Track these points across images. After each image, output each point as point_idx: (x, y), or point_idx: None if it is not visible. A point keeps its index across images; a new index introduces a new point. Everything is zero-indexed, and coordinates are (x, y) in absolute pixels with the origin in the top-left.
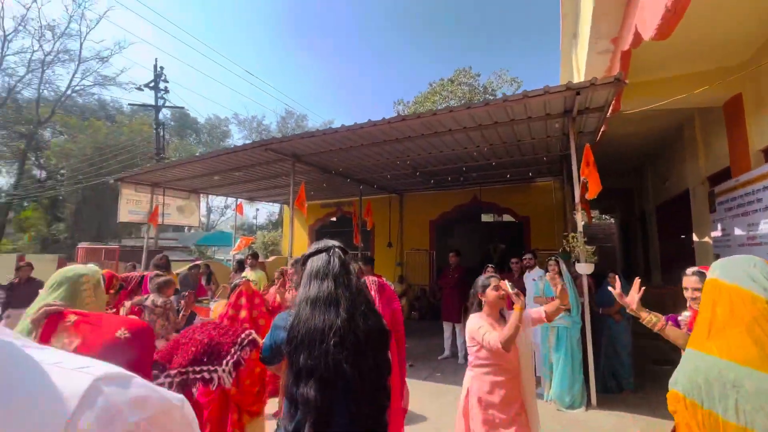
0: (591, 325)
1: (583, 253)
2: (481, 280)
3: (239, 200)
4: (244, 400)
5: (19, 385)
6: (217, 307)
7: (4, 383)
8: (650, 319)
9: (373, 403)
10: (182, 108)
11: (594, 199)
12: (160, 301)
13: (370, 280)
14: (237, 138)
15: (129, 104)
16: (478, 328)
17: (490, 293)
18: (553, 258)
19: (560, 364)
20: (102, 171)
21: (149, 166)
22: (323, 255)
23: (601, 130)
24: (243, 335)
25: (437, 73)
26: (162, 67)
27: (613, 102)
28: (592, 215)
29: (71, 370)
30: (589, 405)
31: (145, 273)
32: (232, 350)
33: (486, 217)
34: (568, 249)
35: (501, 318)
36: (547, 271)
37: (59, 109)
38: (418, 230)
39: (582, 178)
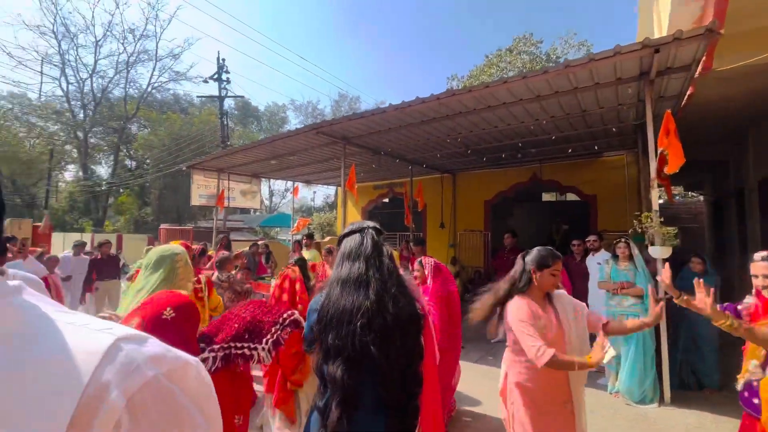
0: (667, 315)
1: (659, 234)
2: (540, 253)
3: (296, 183)
4: (285, 371)
5: (46, 342)
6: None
7: (32, 341)
8: (730, 323)
9: (401, 388)
10: (243, 97)
11: (676, 173)
12: (224, 276)
13: (425, 261)
14: (294, 123)
15: (198, 96)
16: (521, 324)
17: (548, 277)
18: (622, 240)
19: (630, 355)
20: (178, 159)
21: (214, 153)
22: (356, 236)
23: (687, 93)
24: (285, 315)
25: (496, 44)
26: (224, 59)
27: (704, 59)
28: (675, 192)
29: (96, 331)
30: (662, 401)
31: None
32: (273, 329)
33: (548, 196)
34: (640, 230)
35: (545, 300)
36: (614, 254)
37: (142, 105)
38: (472, 211)
39: (660, 150)
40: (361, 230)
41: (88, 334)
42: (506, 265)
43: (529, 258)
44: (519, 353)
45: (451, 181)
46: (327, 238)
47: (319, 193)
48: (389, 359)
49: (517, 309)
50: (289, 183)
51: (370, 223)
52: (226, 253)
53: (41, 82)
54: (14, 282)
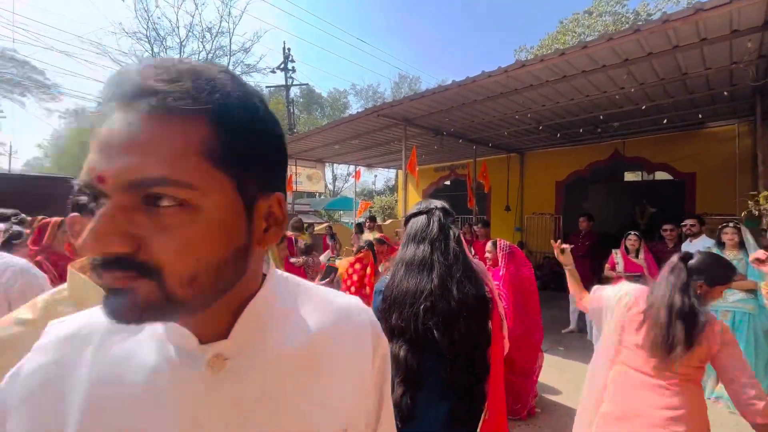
0: None
1: None
2: (719, 266)
3: (358, 167)
4: None
5: (334, 299)
6: (342, 263)
7: (327, 300)
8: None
9: (467, 373)
10: (307, 84)
11: None
12: (319, 259)
13: (501, 243)
14: (355, 108)
15: (266, 87)
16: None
17: (718, 294)
18: (730, 224)
19: None
20: None
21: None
22: (423, 217)
23: None
24: None
25: (572, 9)
26: (289, 49)
27: None
28: None
29: (338, 293)
30: None
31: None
32: None
33: (631, 176)
34: (756, 213)
35: None
36: (719, 241)
37: None
38: (542, 192)
39: None
40: (428, 211)
41: (339, 293)
42: (581, 251)
43: (697, 266)
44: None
45: (518, 161)
46: (388, 221)
47: (379, 177)
48: (453, 343)
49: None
50: (351, 167)
51: (438, 204)
52: (310, 242)
53: None
54: None
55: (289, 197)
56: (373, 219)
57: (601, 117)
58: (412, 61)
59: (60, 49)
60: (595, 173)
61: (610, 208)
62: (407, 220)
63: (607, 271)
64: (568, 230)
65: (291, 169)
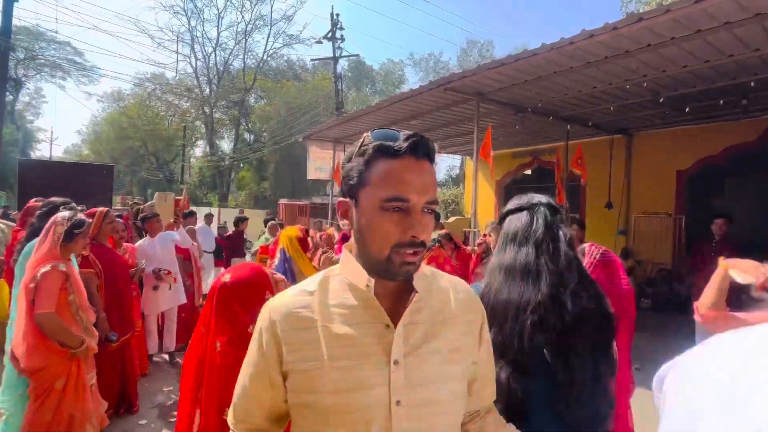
0: None
1: None
2: None
3: None
4: None
5: None
6: None
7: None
8: None
9: (588, 407)
10: (357, 56)
11: None
12: None
13: (590, 249)
14: (413, 82)
15: (311, 60)
16: None
17: None
18: None
19: None
20: (293, 130)
21: (329, 121)
22: (524, 214)
23: None
24: None
25: None
26: (338, 14)
27: None
28: None
29: None
30: None
31: None
32: None
33: None
34: None
35: None
36: None
37: (259, 74)
38: (656, 185)
39: None
40: (530, 207)
41: None
42: (710, 263)
43: None
44: None
45: (624, 145)
46: (452, 219)
47: (440, 164)
48: (570, 369)
49: None
50: None
51: (542, 199)
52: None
53: (177, 61)
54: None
55: (336, 189)
56: (436, 217)
57: (752, 83)
58: (483, 22)
59: (102, 27)
60: (735, 160)
61: (758, 209)
62: (503, 217)
63: (754, 291)
64: (694, 236)
65: (339, 156)
